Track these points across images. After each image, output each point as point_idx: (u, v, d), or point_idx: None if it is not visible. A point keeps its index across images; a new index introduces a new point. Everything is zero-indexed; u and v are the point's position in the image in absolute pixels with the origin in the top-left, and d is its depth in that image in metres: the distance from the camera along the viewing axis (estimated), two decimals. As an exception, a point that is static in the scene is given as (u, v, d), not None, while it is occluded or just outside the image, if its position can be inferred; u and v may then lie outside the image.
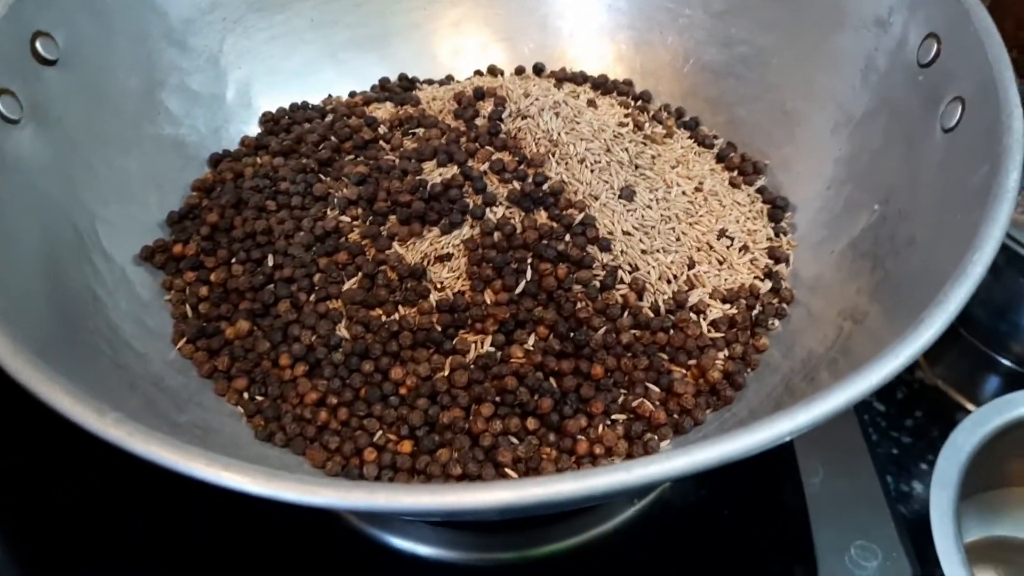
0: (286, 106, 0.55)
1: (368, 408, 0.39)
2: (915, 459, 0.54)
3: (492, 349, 0.40)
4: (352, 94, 0.56)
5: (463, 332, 0.41)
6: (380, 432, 0.38)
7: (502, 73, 0.58)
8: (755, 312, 0.44)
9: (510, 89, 0.49)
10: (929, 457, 0.54)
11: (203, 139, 0.51)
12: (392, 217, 0.44)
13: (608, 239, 0.43)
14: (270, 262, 0.43)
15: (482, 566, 0.45)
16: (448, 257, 0.43)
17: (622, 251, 0.43)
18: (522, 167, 0.45)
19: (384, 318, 0.41)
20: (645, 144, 0.49)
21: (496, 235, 0.42)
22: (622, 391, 0.40)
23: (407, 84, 0.57)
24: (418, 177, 0.45)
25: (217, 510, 0.45)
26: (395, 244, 0.43)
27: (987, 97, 0.35)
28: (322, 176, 0.47)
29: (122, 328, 0.39)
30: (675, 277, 0.43)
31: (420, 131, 0.49)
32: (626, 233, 0.43)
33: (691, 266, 0.44)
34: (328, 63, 0.57)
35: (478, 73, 0.58)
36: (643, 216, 0.44)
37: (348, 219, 0.44)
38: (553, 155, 0.45)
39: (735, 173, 0.51)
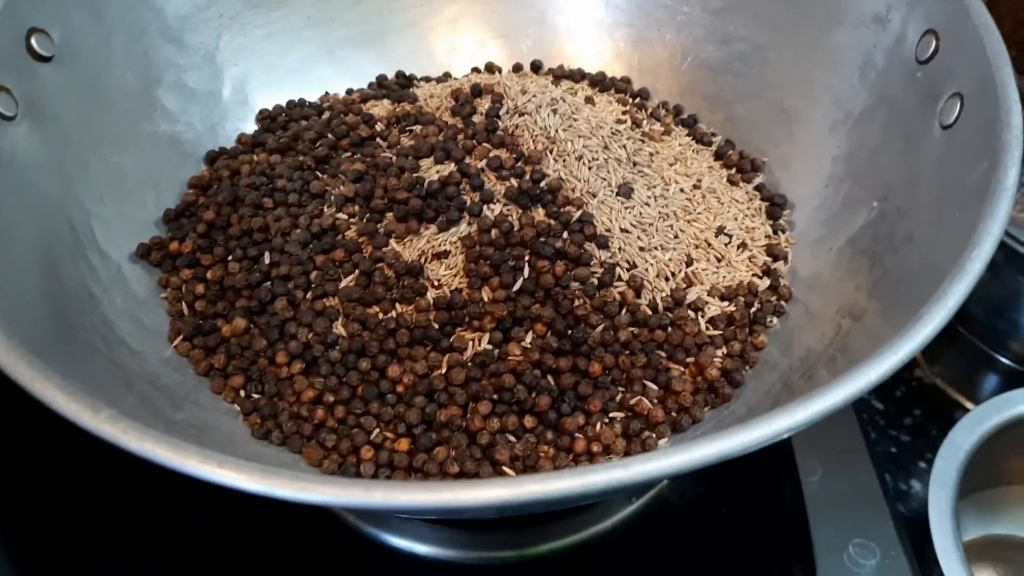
0: (283, 103, 0.54)
1: (365, 406, 0.38)
2: (914, 457, 0.54)
3: (490, 347, 0.40)
4: (349, 91, 0.56)
5: (460, 330, 0.41)
6: (377, 430, 0.38)
7: (500, 70, 0.58)
8: (753, 310, 0.44)
9: (507, 86, 0.49)
10: (928, 455, 0.54)
11: (199, 136, 0.51)
12: (389, 214, 0.44)
13: (606, 236, 0.43)
14: (267, 260, 0.43)
15: (480, 565, 0.44)
16: (445, 254, 0.42)
17: (620, 248, 0.43)
18: (520, 164, 0.45)
19: (381, 315, 0.41)
20: (643, 141, 0.49)
21: (493, 232, 0.42)
22: (620, 389, 0.39)
23: (404, 81, 0.57)
24: (415, 174, 0.44)
25: (215, 510, 0.45)
26: (392, 241, 0.43)
27: (986, 93, 0.35)
28: (319, 173, 0.47)
29: (118, 326, 0.39)
30: (673, 274, 0.43)
31: (417, 128, 0.48)
32: (624, 230, 0.43)
33: (689, 263, 0.44)
34: (325, 60, 0.56)
35: (475, 70, 0.58)
36: (641, 213, 0.44)
37: (345, 216, 0.44)
38: (551, 152, 0.45)
39: (733, 171, 0.51)
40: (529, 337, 0.40)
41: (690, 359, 0.41)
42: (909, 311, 0.29)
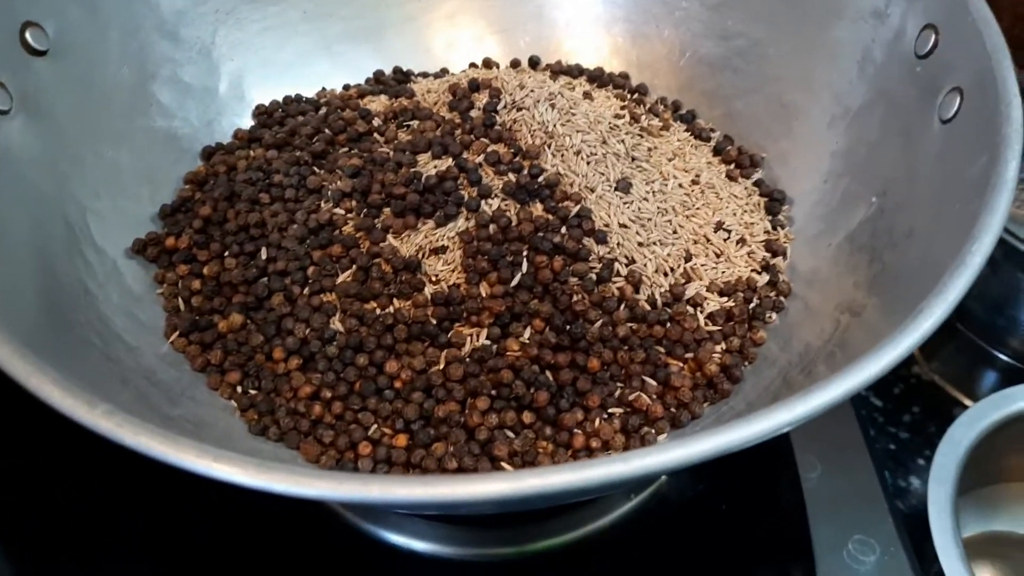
0: (279, 99, 0.54)
1: (363, 402, 0.38)
2: (913, 454, 0.54)
3: (488, 342, 0.39)
4: (346, 87, 0.56)
5: (458, 325, 0.40)
6: (375, 426, 0.38)
7: (497, 66, 0.58)
8: (752, 305, 0.43)
9: (505, 81, 0.48)
10: (927, 452, 0.54)
11: (196, 132, 0.51)
12: (386, 210, 0.44)
13: (604, 231, 0.42)
14: (263, 255, 0.43)
15: (479, 562, 0.44)
16: (443, 250, 0.42)
17: (618, 244, 0.43)
18: (517, 159, 0.45)
19: (379, 311, 0.41)
20: (641, 136, 0.49)
21: (491, 227, 0.42)
22: (619, 384, 0.39)
23: (402, 77, 0.57)
24: (413, 169, 0.44)
25: (214, 508, 0.45)
26: (389, 237, 0.43)
27: (985, 87, 0.35)
28: (316, 169, 0.47)
29: (113, 321, 0.39)
30: (672, 270, 0.43)
31: (415, 123, 0.48)
32: (622, 225, 0.43)
33: (688, 259, 0.44)
34: (322, 55, 0.56)
35: (473, 66, 0.58)
36: (639, 208, 0.44)
37: (342, 212, 0.44)
38: (549, 147, 0.45)
39: (732, 166, 0.51)
40: (527, 333, 0.40)
41: (689, 355, 0.41)
42: (909, 306, 0.28)
